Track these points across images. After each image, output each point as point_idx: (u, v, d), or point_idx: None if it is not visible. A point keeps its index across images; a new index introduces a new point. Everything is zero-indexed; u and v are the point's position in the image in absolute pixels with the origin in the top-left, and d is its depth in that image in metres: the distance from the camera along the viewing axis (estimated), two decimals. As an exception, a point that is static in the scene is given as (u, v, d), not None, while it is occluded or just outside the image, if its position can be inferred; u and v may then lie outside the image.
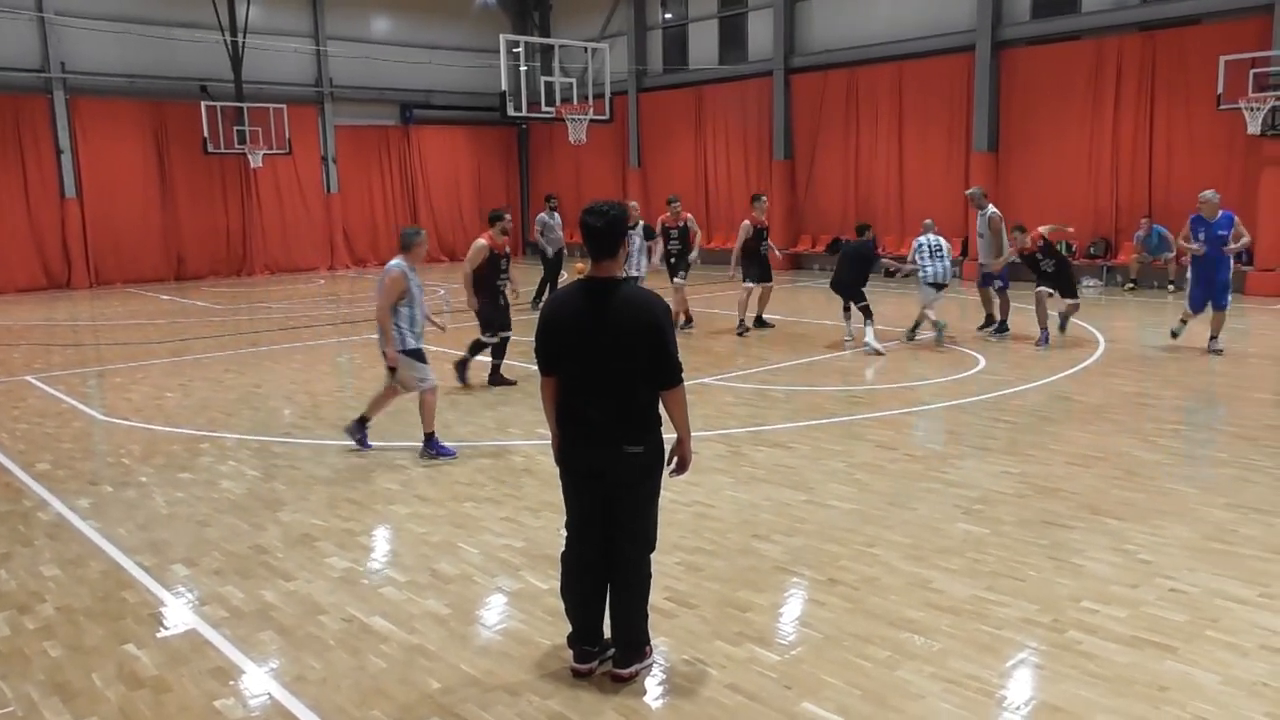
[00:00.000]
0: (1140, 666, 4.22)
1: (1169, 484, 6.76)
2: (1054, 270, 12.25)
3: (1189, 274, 12.11)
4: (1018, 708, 3.94)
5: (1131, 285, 17.87)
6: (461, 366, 10.55)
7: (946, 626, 4.64)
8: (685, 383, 4.16)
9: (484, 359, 10.57)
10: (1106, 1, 18.52)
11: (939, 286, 12.38)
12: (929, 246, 12.39)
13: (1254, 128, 15.80)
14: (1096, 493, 6.58)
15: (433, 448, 7.85)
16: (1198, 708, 3.88)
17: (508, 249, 10.45)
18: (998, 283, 12.97)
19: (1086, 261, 18.81)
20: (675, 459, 4.28)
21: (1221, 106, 16.08)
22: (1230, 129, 16.51)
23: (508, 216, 10.43)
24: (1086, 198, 18.84)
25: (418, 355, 7.82)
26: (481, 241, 10.20)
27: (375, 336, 8.66)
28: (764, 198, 14.70)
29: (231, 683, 4.32)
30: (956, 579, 5.20)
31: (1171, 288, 17.21)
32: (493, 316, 10.33)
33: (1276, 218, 16.25)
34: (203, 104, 22.55)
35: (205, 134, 22.39)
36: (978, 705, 3.96)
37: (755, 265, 13.85)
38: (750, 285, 13.77)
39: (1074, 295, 12.49)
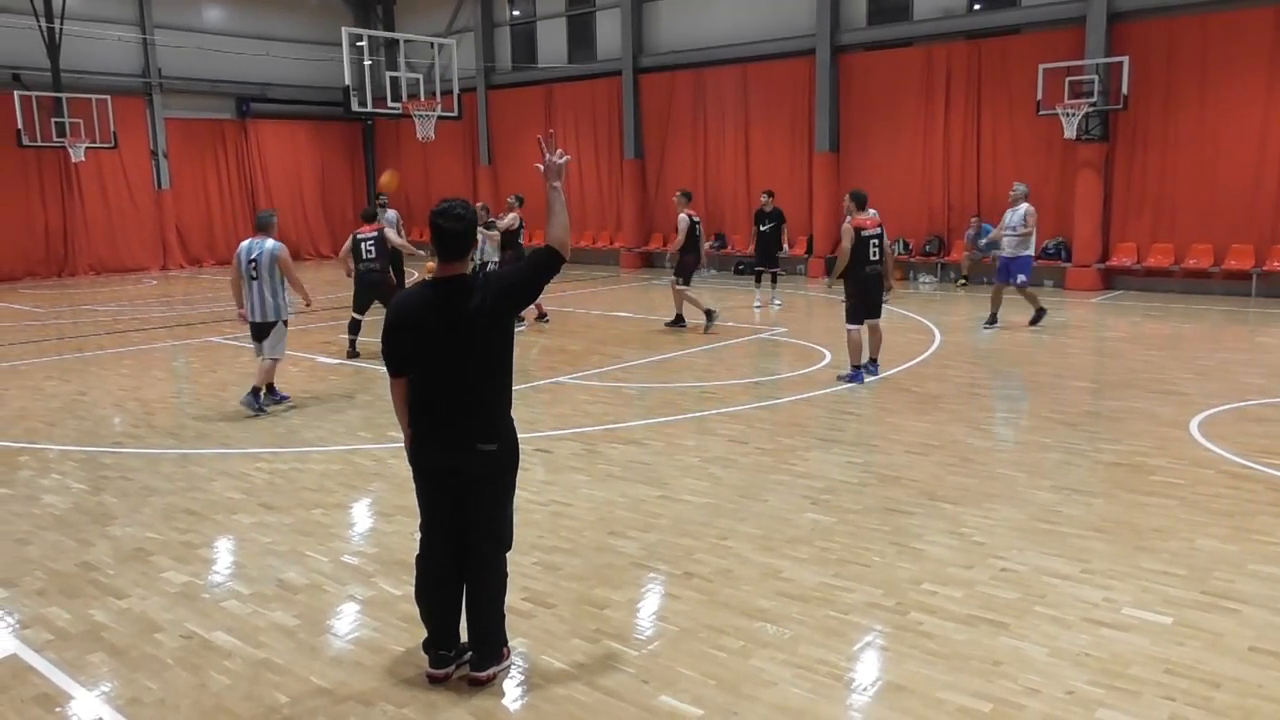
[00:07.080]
0: (976, 643, 4.45)
1: (999, 469, 7.15)
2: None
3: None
4: (864, 689, 4.10)
5: (963, 281, 18.82)
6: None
7: (797, 614, 4.78)
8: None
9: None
10: (936, 10, 19.45)
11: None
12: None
13: (1070, 132, 16.91)
14: (934, 479, 6.90)
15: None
16: (1028, 679, 4.12)
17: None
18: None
19: (921, 259, 19.72)
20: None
21: (1041, 112, 17.14)
22: (1049, 133, 17.59)
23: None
24: (921, 197, 19.73)
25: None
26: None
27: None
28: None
29: (58, 709, 4.05)
30: (805, 567, 5.36)
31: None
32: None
33: (1091, 217, 17.43)
34: (15, 93, 21.05)
35: (20, 125, 20.89)
36: (827, 688, 4.09)
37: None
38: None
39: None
